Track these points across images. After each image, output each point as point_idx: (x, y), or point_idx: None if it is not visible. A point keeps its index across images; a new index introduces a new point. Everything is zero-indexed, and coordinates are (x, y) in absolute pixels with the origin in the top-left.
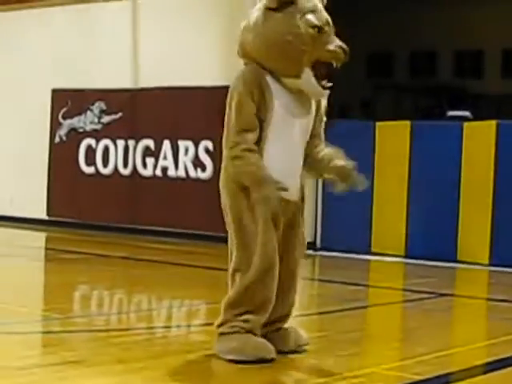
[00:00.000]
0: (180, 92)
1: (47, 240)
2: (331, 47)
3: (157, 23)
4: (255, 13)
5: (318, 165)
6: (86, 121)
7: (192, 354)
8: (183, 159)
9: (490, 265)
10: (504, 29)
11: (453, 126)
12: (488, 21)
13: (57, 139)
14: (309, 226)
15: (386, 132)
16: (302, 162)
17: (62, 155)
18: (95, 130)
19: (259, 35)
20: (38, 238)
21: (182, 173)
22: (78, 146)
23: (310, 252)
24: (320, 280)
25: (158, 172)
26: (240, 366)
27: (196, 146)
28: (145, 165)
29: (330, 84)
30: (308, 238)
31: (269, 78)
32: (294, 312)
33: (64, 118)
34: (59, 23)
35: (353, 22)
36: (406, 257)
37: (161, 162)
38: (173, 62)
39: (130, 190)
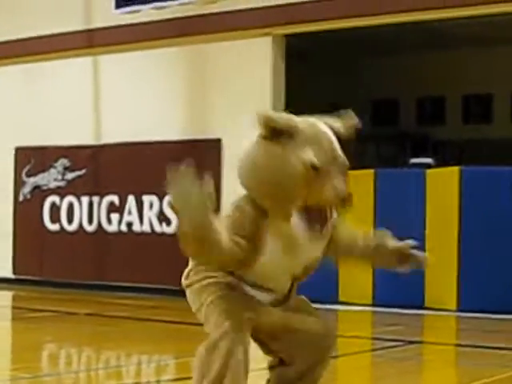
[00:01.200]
0: (143, 147)
1: (13, 299)
2: (326, 192)
3: (118, 79)
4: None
5: (366, 251)
6: (50, 178)
7: None
8: (148, 214)
9: (458, 310)
10: (465, 75)
11: (416, 172)
12: (449, 67)
13: (21, 197)
14: None
15: (351, 180)
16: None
17: (26, 213)
18: (59, 187)
19: (249, 169)
20: (4, 297)
21: (147, 227)
22: (42, 204)
23: None
24: None
25: (123, 227)
26: None
27: (160, 200)
28: (109, 220)
29: (322, 229)
30: None
31: (262, 219)
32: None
33: (28, 175)
34: (19, 81)
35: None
36: (373, 305)
37: (126, 218)
38: (135, 117)
39: (96, 246)
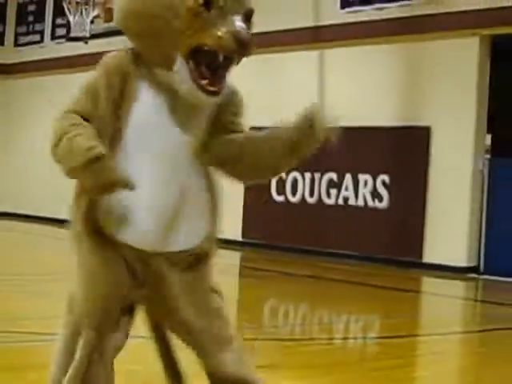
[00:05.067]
0: (361, 131)
1: (241, 258)
2: (219, 32)
3: (341, 71)
4: None
5: (266, 145)
6: None
7: (369, 362)
8: (362, 191)
9: None
10: None
11: None
12: None
13: None
14: (472, 249)
15: None
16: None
17: (256, 185)
18: None
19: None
20: (233, 257)
21: (361, 202)
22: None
23: (473, 275)
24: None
25: (340, 201)
26: None
27: (374, 179)
28: (329, 195)
29: (213, 88)
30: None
31: (135, 68)
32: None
33: None
34: (255, 70)
35: None
36: None
37: (343, 193)
38: (355, 105)
39: (315, 216)
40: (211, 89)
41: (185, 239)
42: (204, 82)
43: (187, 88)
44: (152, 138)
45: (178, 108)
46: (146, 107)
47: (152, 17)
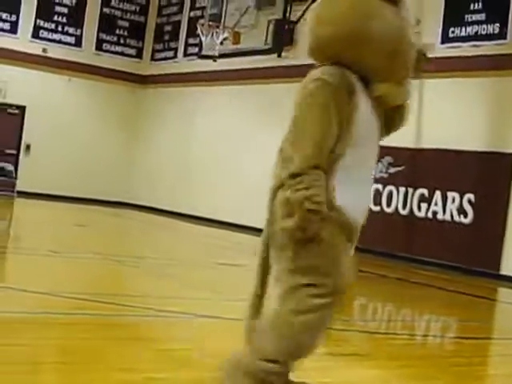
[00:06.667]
0: (451, 153)
1: None
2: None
3: (439, 98)
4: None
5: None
6: (377, 170)
7: (447, 359)
8: (450, 206)
9: None
10: None
11: None
12: None
13: None
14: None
15: None
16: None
17: None
18: (382, 178)
19: (351, 26)
20: None
21: (448, 217)
22: None
23: None
24: None
25: (430, 215)
26: None
27: (461, 197)
28: (419, 208)
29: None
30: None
31: (356, 82)
32: None
33: None
34: None
35: None
36: None
37: (432, 207)
38: (448, 129)
39: (407, 226)
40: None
41: None
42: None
43: (404, 95)
44: (369, 132)
45: (376, 108)
46: (365, 118)
47: (401, 40)
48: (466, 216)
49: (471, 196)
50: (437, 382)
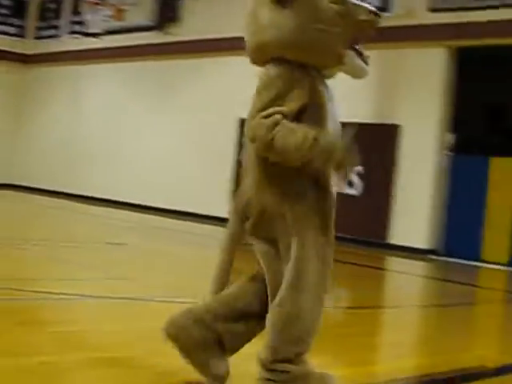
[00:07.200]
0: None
1: None
2: (363, 17)
3: None
4: (260, 11)
5: None
6: None
7: (335, 329)
8: None
9: None
10: None
11: None
12: None
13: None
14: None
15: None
16: None
17: None
18: None
19: (280, 31)
20: None
21: None
22: None
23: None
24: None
25: None
26: None
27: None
28: None
29: (368, 55)
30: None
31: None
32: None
33: None
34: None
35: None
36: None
37: None
38: (337, 99)
39: None
40: (368, 58)
41: None
42: (365, 56)
43: (358, 69)
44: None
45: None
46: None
47: (319, 32)
48: (354, 188)
49: (359, 168)
50: (323, 353)
